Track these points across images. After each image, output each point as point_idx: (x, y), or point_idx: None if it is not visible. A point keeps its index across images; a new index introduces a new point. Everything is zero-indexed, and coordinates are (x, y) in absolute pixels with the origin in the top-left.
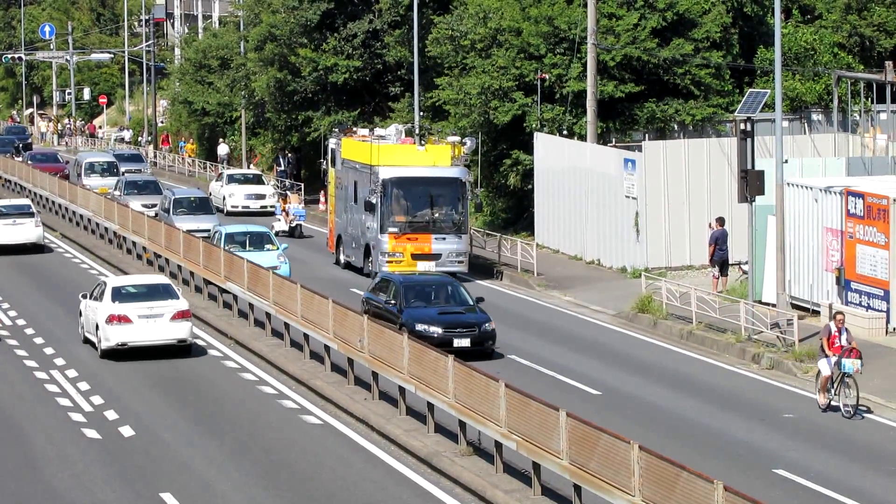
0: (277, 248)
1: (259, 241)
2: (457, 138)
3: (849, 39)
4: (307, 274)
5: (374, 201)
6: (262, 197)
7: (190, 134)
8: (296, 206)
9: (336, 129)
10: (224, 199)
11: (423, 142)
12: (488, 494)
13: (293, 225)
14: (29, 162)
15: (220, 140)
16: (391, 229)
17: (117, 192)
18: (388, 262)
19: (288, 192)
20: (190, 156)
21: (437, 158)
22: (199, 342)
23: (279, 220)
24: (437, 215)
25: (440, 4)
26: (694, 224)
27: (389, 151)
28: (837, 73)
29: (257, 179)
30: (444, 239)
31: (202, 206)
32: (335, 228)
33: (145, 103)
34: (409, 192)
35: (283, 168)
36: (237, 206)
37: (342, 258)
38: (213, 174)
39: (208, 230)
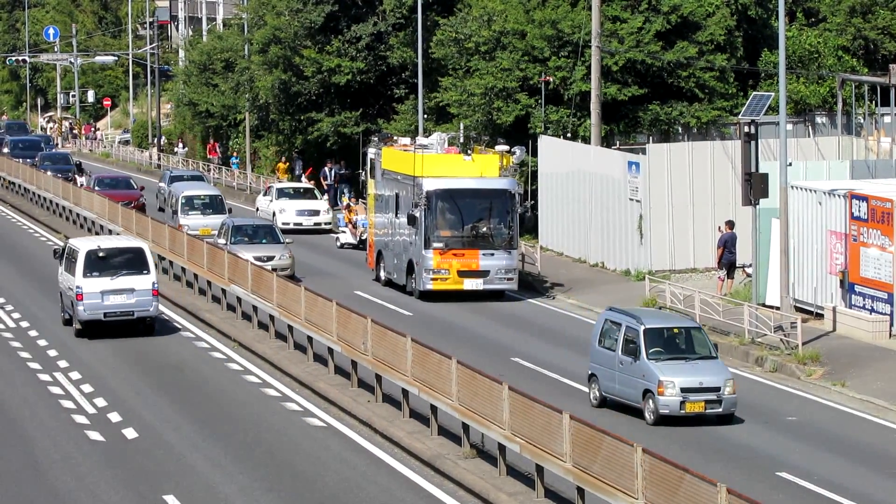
0: None
1: None
2: (505, 147)
3: (853, 42)
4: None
5: (417, 215)
6: (315, 213)
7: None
8: (363, 217)
9: (375, 138)
10: (274, 215)
11: (468, 151)
12: (491, 497)
13: (364, 237)
14: (96, 188)
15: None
16: (436, 244)
17: (222, 241)
18: (432, 279)
19: (351, 203)
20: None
21: (485, 169)
22: (202, 344)
23: (344, 231)
24: (485, 229)
25: (444, 7)
26: (698, 227)
27: (433, 162)
28: (842, 77)
29: (310, 194)
30: (492, 255)
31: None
32: (375, 243)
33: (149, 105)
34: (455, 205)
35: (330, 182)
36: (289, 223)
37: (383, 275)
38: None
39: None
